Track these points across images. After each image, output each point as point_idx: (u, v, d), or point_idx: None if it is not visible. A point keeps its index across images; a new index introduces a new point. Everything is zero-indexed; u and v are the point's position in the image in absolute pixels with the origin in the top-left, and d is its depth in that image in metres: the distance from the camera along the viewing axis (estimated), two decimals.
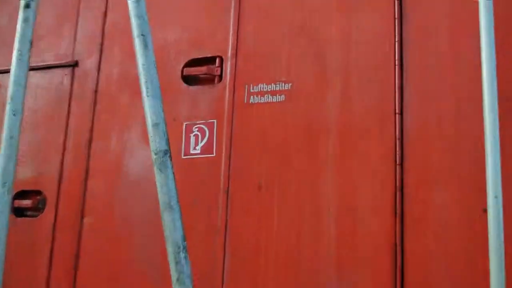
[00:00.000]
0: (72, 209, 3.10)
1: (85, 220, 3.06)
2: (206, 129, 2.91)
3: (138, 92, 1.69)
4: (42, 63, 3.38)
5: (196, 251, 2.68)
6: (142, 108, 1.64)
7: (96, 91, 3.25)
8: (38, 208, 3.19)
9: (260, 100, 2.82)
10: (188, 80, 3.04)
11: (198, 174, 2.87)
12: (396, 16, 2.65)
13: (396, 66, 2.59)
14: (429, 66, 2.56)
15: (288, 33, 2.85)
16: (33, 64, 3.03)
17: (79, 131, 3.22)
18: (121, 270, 2.91)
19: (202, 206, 2.82)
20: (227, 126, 2.85)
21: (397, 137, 2.52)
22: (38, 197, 3.20)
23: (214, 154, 2.85)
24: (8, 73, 1.82)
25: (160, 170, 1.58)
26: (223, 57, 2.97)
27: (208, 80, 2.99)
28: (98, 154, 3.16)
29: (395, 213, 2.45)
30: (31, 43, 1.83)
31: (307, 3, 2.86)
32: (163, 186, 1.57)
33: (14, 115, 1.77)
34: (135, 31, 1.63)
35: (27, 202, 3.20)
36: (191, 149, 2.91)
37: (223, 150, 2.83)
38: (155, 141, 1.60)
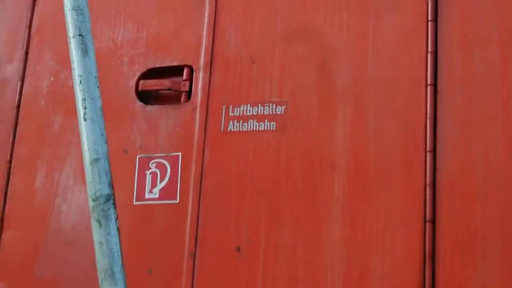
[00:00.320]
0: None
1: None
2: (167, 165, 2.90)
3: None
4: None
5: None
6: None
7: (18, 107, 3.26)
8: None
9: (242, 127, 2.83)
10: (145, 97, 3.05)
11: (155, 228, 2.85)
12: (429, 18, 2.67)
13: (428, 86, 2.61)
14: (473, 86, 2.58)
15: (282, 36, 2.88)
16: None
17: None
18: None
19: (158, 274, 2.79)
20: (197, 162, 2.84)
21: (428, 183, 2.51)
22: None
23: (178, 201, 2.84)
24: None
25: (99, 222, 1.57)
26: (193, 66, 2.99)
27: (172, 97, 3.00)
28: (18, 195, 3.15)
29: None
30: None
31: None
32: (103, 245, 1.56)
33: None
34: (71, 30, 1.64)
35: None
36: (146, 192, 2.90)
37: (190, 196, 2.82)
38: (94, 183, 1.60)
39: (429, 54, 2.63)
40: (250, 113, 2.82)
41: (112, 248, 1.53)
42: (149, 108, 3.02)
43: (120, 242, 1.52)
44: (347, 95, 2.72)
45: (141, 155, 2.94)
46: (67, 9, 1.66)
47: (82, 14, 1.65)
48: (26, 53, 3.31)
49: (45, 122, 3.19)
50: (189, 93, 2.96)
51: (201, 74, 2.95)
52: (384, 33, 2.73)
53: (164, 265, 2.80)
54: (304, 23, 2.86)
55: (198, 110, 2.91)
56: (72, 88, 1.74)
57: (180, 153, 2.89)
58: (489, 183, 2.48)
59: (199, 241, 2.76)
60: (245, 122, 2.83)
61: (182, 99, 2.97)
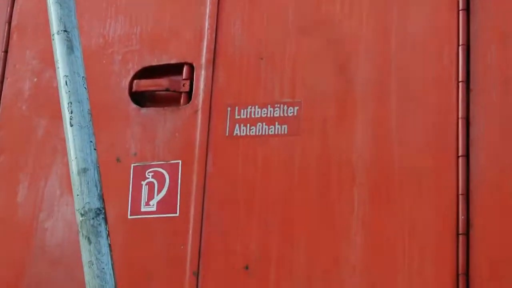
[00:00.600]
0: None
1: None
2: (165, 174, 2.89)
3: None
4: None
5: None
6: None
7: None
8: None
9: (249, 131, 2.82)
10: (140, 99, 3.05)
11: (153, 245, 2.84)
12: (460, 7, 2.67)
13: (460, 83, 2.61)
14: (509, 83, 2.57)
15: (294, 30, 2.87)
16: None
17: None
18: None
19: None
20: (199, 171, 2.84)
21: (461, 192, 2.51)
22: None
23: (178, 214, 2.83)
24: None
25: (89, 239, 1.56)
26: (194, 64, 3.00)
27: (171, 99, 3.00)
28: None
29: None
30: None
31: None
32: (93, 264, 1.54)
33: None
34: (55, 25, 1.62)
35: None
36: (142, 205, 2.90)
37: (192, 208, 2.82)
38: (82, 195, 1.59)
39: (460, 48, 2.64)
40: (259, 115, 2.82)
41: (103, 269, 1.51)
42: (144, 111, 3.02)
43: (112, 261, 1.51)
44: (368, 95, 2.72)
45: (136, 164, 2.94)
46: (50, 2, 1.64)
47: (67, 7, 1.64)
48: (5, 51, 3.31)
49: (27, 128, 3.20)
50: (189, 94, 2.97)
51: (202, 72, 2.95)
52: (410, 24, 2.74)
53: (163, 286, 2.79)
54: (318, 14, 2.86)
55: (199, 112, 2.92)
56: (57, 90, 1.73)
57: (180, 161, 2.89)
58: None
59: (202, 259, 2.76)
60: (252, 125, 2.82)
61: (182, 100, 2.98)
